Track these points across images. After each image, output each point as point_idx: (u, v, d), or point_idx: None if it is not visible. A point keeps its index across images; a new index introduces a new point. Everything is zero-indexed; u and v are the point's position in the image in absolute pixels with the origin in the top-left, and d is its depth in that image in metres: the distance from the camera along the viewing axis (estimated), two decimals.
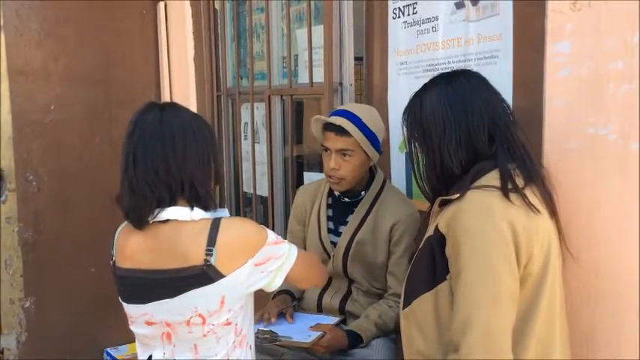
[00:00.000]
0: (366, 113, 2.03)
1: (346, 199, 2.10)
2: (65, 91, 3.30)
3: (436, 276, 1.38)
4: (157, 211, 1.43)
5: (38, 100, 3.24)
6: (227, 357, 1.49)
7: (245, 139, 3.21)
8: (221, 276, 1.41)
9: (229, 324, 1.47)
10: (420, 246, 1.45)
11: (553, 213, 1.42)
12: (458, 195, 1.36)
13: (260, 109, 3.03)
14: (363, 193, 2.09)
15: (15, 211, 3.20)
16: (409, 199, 2.13)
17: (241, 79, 3.19)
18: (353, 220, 2.08)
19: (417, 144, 1.50)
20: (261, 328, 1.93)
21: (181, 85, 3.46)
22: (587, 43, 1.47)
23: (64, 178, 3.30)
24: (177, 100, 3.48)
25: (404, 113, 1.54)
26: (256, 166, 3.09)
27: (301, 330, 1.94)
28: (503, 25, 1.77)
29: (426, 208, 1.58)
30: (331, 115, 2.04)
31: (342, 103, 2.54)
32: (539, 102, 1.60)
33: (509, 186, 1.35)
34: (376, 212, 2.06)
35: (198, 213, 1.46)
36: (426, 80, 1.54)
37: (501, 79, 1.74)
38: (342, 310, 2.10)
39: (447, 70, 1.59)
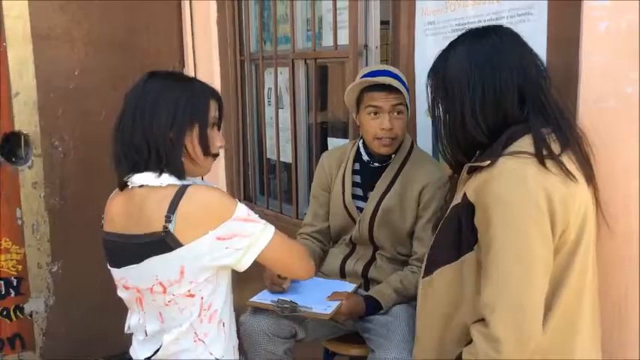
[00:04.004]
0: (396, 69, 2.05)
1: (375, 164, 2.05)
2: (89, 57, 3.28)
3: (462, 246, 1.32)
4: (130, 175, 1.45)
5: (62, 66, 3.22)
6: (193, 329, 1.46)
7: (269, 104, 3.17)
8: (179, 244, 1.38)
9: (192, 296, 1.43)
10: (446, 214, 1.40)
11: (590, 179, 1.34)
12: (489, 162, 1.28)
13: (284, 73, 2.98)
14: (392, 156, 2.04)
15: (41, 176, 3.21)
16: (438, 162, 2.08)
17: (265, 43, 3.14)
18: (380, 185, 2.04)
19: (441, 106, 1.42)
20: (281, 298, 1.91)
21: (204, 50, 3.42)
22: None
23: (89, 144, 3.30)
24: (201, 65, 3.45)
25: (429, 71, 1.45)
26: (280, 132, 3.05)
27: (319, 299, 1.92)
28: None
29: (452, 175, 1.52)
30: (370, 77, 1.98)
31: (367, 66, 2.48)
32: (574, 58, 1.52)
33: (545, 152, 1.27)
34: (404, 176, 2.02)
35: (166, 179, 1.42)
36: None
37: (535, 36, 1.66)
38: (365, 277, 2.07)
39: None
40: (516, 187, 1.23)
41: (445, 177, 1.97)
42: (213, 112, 1.51)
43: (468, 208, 1.30)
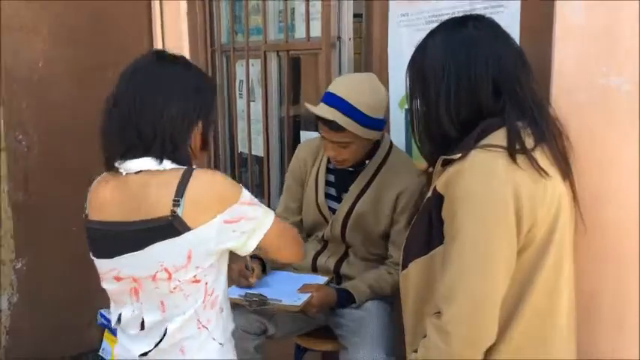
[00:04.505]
0: (361, 94, 1.85)
1: (349, 168, 2.01)
2: (53, 48, 3.20)
3: (433, 239, 1.30)
4: (127, 159, 1.39)
5: (26, 57, 3.14)
6: (196, 317, 1.43)
7: (240, 97, 3.12)
8: (187, 229, 1.35)
9: (197, 282, 1.41)
10: (420, 208, 1.38)
11: (566, 175, 1.32)
12: (460, 155, 1.26)
13: (255, 65, 2.93)
14: (367, 162, 1.99)
15: (5, 170, 3.13)
16: (416, 166, 1.99)
17: (236, 34, 3.09)
18: (354, 188, 1.99)
19: (418, 97, 1.40)
20: (250, 291, 1.87)
21: (174, 42, 3.35)
22: None
23: (55, 137, 3.23)
24: None
25: (409, 62, 1.43)
26: (252, 125, 3.01)
27: (289, 292, 1.89)
28: None
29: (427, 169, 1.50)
30: (323, 100, 1.88)
31: (340, 59, 2.45)
32: (547, 51, 1.51)
33: (517, 146, 1.24)
34: (380, 180, 1.97)
35: (168, 164, 1.39)
36: None
37: (508, 27, 1.63)
38: (337, 273, 2.04)
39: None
40: (484, 181, 1.22)
41: (423, 182, 1.93)
42: (216, 108, 1.52)
43: (437, 200, 1.28)
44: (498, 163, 1.23)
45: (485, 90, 1.30)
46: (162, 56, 1.47)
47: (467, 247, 1.21)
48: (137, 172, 1.39)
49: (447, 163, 1.31)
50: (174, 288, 1.40)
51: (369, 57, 2.32)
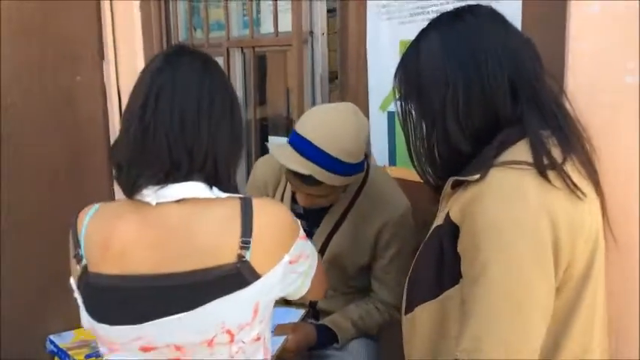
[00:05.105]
0: (341, 139, 1.50)
1: None
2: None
3: (444, 279, 1.08)
4: (167, 182, 1.08)
5: None
6: None
7: None
8: (257, 276, 1.08)
9: (259, 339, 1.14)
10: (426, 239, 1.15)
11: (597, 184, 1.11)
12: (477, 176, 1.04)
13: None
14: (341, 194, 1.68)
15: None
16: (400, 191, 1.73)
17: (195, 30, 2.88)
18: (327, 221, 1.70)
19: (413, 109, 1.16)
20: None
21: (126, 38, 3.08)
22: None
23: (14, 133, 2.92)
24: (123, 55, 3.10)
25: (397, 69, 1.19)
26: None
27: None
28: None
29: (415, 179, 1.28)
30: (292, 144, 1.54)
31: (312, 57, 2.23)
32: (559, 45, 1.31)
33: (546, 161, 1.03)
34: (357, 210, 1.68)
35: (219, 192, 1.11)
36: (414, 26, 1.21)
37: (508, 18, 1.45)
38: (313, 307, 1.78)
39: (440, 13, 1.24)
40: (512, 206, 1.00)
41: (409, 211, 1.68)
42: None
43: (451, 230, 1.06)
44: (528, 183, 1.01)
45: (503, 92, 1.08)
46: (205, 60, 1.18)
47: (494, 291, 0.98)
48: (178, 201, 1.09)
49: (458, 184, 1.09)
50: (237, 352, 1.11)
51: (345, 54, 2.11)
